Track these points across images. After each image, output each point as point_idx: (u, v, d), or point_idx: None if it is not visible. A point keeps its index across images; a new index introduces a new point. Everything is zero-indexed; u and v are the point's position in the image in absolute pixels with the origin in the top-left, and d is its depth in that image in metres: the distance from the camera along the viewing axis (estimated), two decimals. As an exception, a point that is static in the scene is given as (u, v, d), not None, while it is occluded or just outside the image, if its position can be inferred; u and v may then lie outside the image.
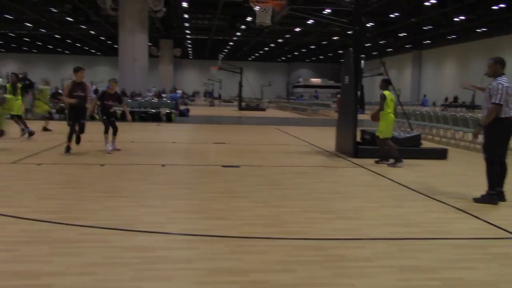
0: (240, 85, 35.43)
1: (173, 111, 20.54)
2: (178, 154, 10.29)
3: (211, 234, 4.54)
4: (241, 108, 34.38)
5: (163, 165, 8.51)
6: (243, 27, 39.97)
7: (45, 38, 52.88)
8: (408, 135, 10.76)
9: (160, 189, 6.56)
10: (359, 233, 4.74)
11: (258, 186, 6.89)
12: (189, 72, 72.00)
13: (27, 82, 19.28)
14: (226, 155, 10.32)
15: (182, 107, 25.44)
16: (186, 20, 40.59)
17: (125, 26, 25.98)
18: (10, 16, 39.55)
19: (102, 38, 51.55)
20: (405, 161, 9.18)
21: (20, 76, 19.90)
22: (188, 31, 46.74)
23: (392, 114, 9.07)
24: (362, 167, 8.97)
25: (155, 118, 19.63)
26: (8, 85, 13.01)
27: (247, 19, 35.69)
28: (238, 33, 45.07)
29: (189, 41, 55.21)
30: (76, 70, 9.75)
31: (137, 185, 6.74)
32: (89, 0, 30.06)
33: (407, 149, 10.09)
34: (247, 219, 5.12)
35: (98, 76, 52.94)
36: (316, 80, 68.56)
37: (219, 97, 54.07)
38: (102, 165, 8.36)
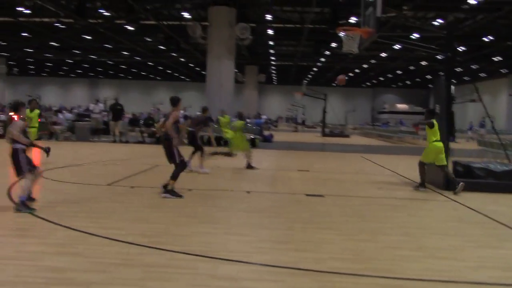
0: (324, 111, 35.28)
1: (257, 136, 20.85)
2: (263, 181, 10.39)
3: (297, 267, 4.50)
4: (324, 134, 34.15)
5: (248, 192, 8.62)
6: (327, 53, 40.01)
7: (139, 65, 56.37)
8: (506, 168, 10.05)
9: (246, 216, 6.65)
10: (452, 275, 4.46)
11: (343, 218, 6.75)
12: (272, 98, 73.03)
13: (119, 107, 20.64)
14: (310, 183, 10.25)
15: (266, 133, 25.76)
16: (271, 47, 41.41)
17: (213, 53, 27.00)
18: (110, 45, 42.74)
19: (191, 64, 53.95)
20: (505, 196, 8.57)
21: (113, 101, 21.39)
22: (272, 58, 47.62)
23: (437, 143, 9.36)
24: (455, 201, 8.50)
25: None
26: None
27: (332, 45, 35.69)
28: (322, 59, 45.15)
29: (273, 67, 56.19)
30: (178, 100, 8.76)
31: (222, 212, 6.88)
32: (180, 29, 31.71)
33: (507, 184, 9.40)
34: (333, 252, 5.02)
35: (186, 101, 55.35)
36: (402, 106, 66.52)
37: (303, 123, 54.16)
38: (190, 189, 8.65)
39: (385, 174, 12.38)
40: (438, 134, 9.38)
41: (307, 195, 8.56)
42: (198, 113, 16.80)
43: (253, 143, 20.15)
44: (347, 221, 6.52)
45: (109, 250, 4.81)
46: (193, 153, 11.29)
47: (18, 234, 5.34)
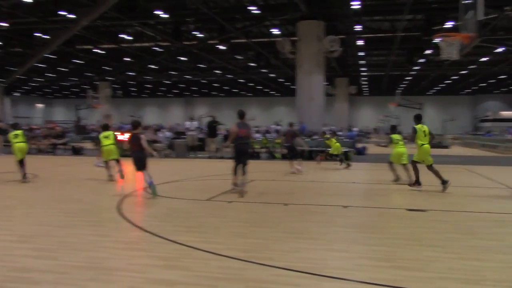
0: (420, 121, 33.79)
1: (350, 149, 20.48)
2: (359, 195, 10.15)
3: (402, 286, 4.31)
4: (421, 146, 32.63)
5: (345, 207, 8.46)
6: (421, 60, 38.46)
7: (231, 82, 58.06)
8: None
9: (344, 232, 6.51)
10: None
11: (450, 235, 6.37)
12: (364, 109, 71.47)
13: (215, 124, 21.33)
14: (410, 197, 9.83)
15: (359, 145, 25.22)
16: (362, 58, 40.68)
17: (303, 67, 27.09)
18: (203, 65, 44.59)
19: (281, 80, 54.54)
20: None
21: (209, 118, 22.17)
22: (363, 68, 46.72)
23: (426, 145, 10.41)
24: None
25: (333, 156, 19.76)
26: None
27: (426, 52, 34.26)
28: (416, 67, 43.46)
29: (364, 78, 55.07)
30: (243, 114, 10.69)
31: (320, 227, 6.81)
32: (269, 46, 32.25)
33: None
34: (440, 272, 4.74)
35: (276, 116, 55.92)
36: (508, 113, 61.81)
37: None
38: (286, 204, 8.67)
39: (493, 187, 11.54)
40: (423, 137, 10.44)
41: (408, 209, 8.21)
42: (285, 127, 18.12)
43: (346, 156, 19.81)
44: (453, 238, 6.15)
45: (213, 264, 4.94)
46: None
47: (128, 247, 5.67)
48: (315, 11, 25.49)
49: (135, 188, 11.17)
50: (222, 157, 20.44)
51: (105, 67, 46.40)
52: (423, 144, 10.41)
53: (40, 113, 72.71)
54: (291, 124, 15.05)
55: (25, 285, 4.29)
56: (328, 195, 10.06)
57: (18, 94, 71.58)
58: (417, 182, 10.71)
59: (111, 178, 12.27)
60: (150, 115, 69.28)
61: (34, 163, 17.53)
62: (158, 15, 25.19)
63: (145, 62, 41.28)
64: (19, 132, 12.73)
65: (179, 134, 24.69)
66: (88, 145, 26.27)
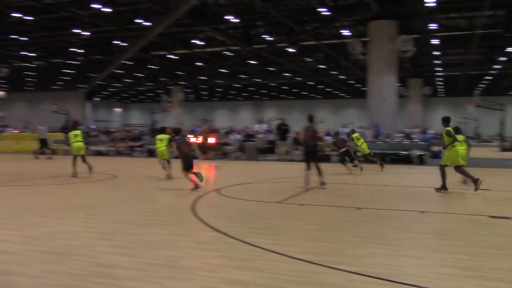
0: (502, 123, 31.92)
1: (425, 152, 19.72)
2: (436, 200, 9.72)
3: (488, 297, 4.06)
4: (504, 149, 30.79)
5: (422, 212, 8.13)
6: (502, 58, 36.29)
7: (300, 85, 57.93)
8: None
9: (421, 238, 6.26)
10: None
11: (539, 244, 5.93)
12: (439, 111, 68.45)
13: (284, 127, 21.33)
14: (493, 203, 9.27)
15: (434, 149, 24.20)
16: (437, 57, 39.08)
17: (374, 68, 26.47)
18: (272, 68, 44.85)
19: (351, 81, 53.66)
20: None
21: (279, 121, 22.20)
22: (438, 68, 44.86)
23: (458, 147, 10.52)
24: None
25: (406, 160, 19.15)
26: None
27: (507, 50, 32.30)
28: (497, 66, 41.07)
29: (439, 79, 52.85)
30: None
31: (395, 232, 6.59)
32: (339, 47, 31.82)
33: None
34: (530, 283, 4.42)
35: (346, 118, 55.00)
36: None
37: (477, 137, 49.67)
38: (359, 208, 8.48)
39: None
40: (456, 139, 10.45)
41: (491, 216, 7.74)
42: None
43: (421, 160, 19.09)
44: (544, 248, 5.72)
45: (286, 267, 4.91)
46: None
47: (202, 247, 5.78)
48: (387, 10, 24.83)
49: (207, 190, 11.40)
50: (292, 160, 20.40)
51: (178, 72, 47.97)
52: (453, 146, 10.42)
53: (118, 117, 76.48)
54: (337, 134, 17.14)
55: (107, 280, 4.49)
56: (403, 199, 9.73)
57: (98, 99, 75.71)
58: (444, 187, 10.47)
59: (168, 177, 12.98)
60: (221, 118, 70.69)
61: (112, 164, 18.44)
62: (228, 20, 25.67)
63: (216, 66, 42.21)
64: (78, 132, 14.17)
65: (249, 136, 24.98)
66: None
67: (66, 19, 27.25)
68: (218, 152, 21.03)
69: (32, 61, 41.97)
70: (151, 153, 23.51)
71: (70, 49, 35.84)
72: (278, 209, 8.54)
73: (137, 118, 79.06)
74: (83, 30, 28.25)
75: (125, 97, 77.35)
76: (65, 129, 34.53)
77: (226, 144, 21.68)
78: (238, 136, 23.51)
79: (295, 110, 71.25)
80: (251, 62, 41.47)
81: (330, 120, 56.69)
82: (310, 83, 55.86)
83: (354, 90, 61.00)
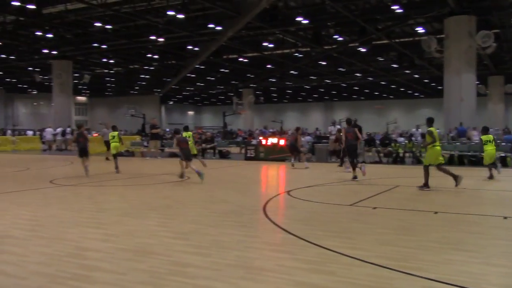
0: None
1: (508, 154, 18.56)
2: (521, 205, 9.12)
3: None
4: None
5: (506, 218, 7.66)
6: None
7: (372, 85, 56.65)
8: None
9: (506, 245, 5.90)
10: None
11: None
12: (523, 110, 64.33)
13: (356, 128, 20.89)
14: None
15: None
16: (520, 53, 36.73)
17: (451, 66, 25.32)
18: (343, 69, 44.23)
19: (426, 80, 51.72)
20: None
21: (353, 121, 21.80)
22: (522, 65, 42.14)
23: (438, 147, 11.10)
24: None
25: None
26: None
27: None
28: None
29: (523, 75, 49.63)
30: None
31: (476, 238, 6.25)
32: (413, 45, 30.77)
33: None
34: None
35: (420, 119, 53.04)
36: None
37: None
38: (436, 212, 8.14)
39: None
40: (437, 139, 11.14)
41: None
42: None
43: (503, 162, 17.99)
44: None
45: (360, 271, 4.82)
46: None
47: (274, 249, 5.81)
48: (465, 5, 23.71)
49: (277, 191, 11.44)
50: (363, 162, 19.98)
51: (249, 75, 48.60)
52: (434, 146, 11.00)
53: (190, 120, 78.67)
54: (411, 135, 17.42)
55: (183, 278, 4.63)
56: (483, 204, 9.23)
57: (171, 103, 78.40)
58: (426, 185, 10.92)
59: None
60: (291, 120, 70.62)
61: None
62: (299, 21, 25.64)
63: (286, 68, 42.31)
64: (115, 133, 16.73)
65: (320, 138, 24.77)
66: (234, 149, 27.68)
67: (142, 26, 28.51)
68: (288, 154, 21.04)
69: (111, 67, 44.31)
70: (223, 155, 24.00)
71: (147, 55, 37.45)
72: (350, 211, 8.39)
73: (209, 120, 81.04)
74: (158, 36, 29.39)
75: (198, 100, 79.55)
76: (143, 131, 36.06)
77: (297, 146, 21.63)
78: (308, 138, 23.38)
79: (367, 110, 69.77)
80: (322, 63, 41.15)
81: (402, 120, 54.93)
82: (382, 83, 54.47)
83: (429, 90, 58.75)
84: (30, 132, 44.16)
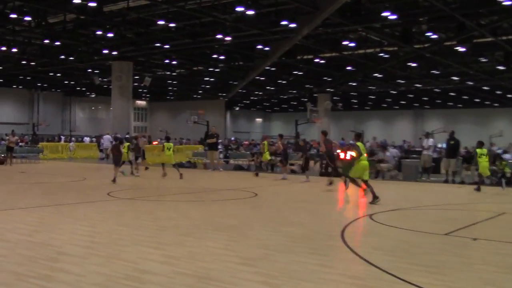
0: None
1: None
2: None
3: None
4: None
5: None
6: None
7: (472, 90, 54.46)
8: None
9: None
10: None
11: None
12: None
13: (452, 142, 20.17)
14: None
15: None
16: None
17: None
18: (437, 71, 42.90)
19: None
20: None
21: (447, 135, 21.08)
22: None
23: (363, 161, 12.64)
24: None
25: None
26: None
27: None
28: None
29: None
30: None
31: None
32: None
33: None
34: None
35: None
36: None
37: None
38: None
39: None
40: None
41: None
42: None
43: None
44: None
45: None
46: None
47: (354, 283, 5.69)
48: None
49: (358, 214, 11.27)
50: (462, 182, 19.23)
51: (326, 78, 48.37)
52: (360, 160, 12.62)
53: (258, 128, 79.59)
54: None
55: (250, 312, 4.67)
56: None
57: (238, 109, 79.69)
58: (375, 197, 12.19)
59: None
60: (372, 130, 69.33)
61: (253, 180, 19.19)
62: (385, 17, 25.20)
63: (368, 70, 41.70)
64: (170, 145, 19.77)
65: (408, 152, 24.13)
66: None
67: (208, 24, 29.26)
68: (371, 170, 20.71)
69: (174, 69, 45.82)
70: (294, 170, 23.98)
71: (212, 56, 38.35)
72: (445, 242, 8.09)
73: (279, 129, 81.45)
74: (226, 35, 30.02)
75: (267, 106, 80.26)
76: (205, 140, 36.88)
77: (380, 161, 21.20)
78: (394, 152, 22.83)
79: (465, 120, 67.05)
80: (411, 64, 40.14)
81: (510, 133, 52.22)
82: (484, 88, 52.19)
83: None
84: (87, 139, 46.53)
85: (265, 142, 23.11)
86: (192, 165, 26.67)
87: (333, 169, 17.54)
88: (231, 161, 27.84)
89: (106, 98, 49.89)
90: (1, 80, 54.05)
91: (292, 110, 77.77)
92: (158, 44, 33.01)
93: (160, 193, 14.73)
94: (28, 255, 6.57)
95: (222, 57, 38.38)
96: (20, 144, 34.83)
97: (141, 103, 73.31)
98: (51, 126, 56.01)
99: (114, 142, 17.55)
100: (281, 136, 21.82)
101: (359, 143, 12.95)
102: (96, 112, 70.10)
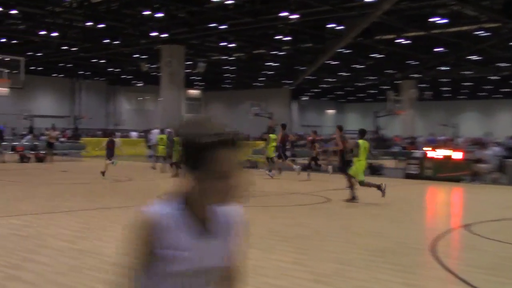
0: None
1: None
2: None
3: None
4: None
5: None
6: None
7: None
8: None
9: None
10: None
11: None
12: None
13: None
14: None
15: None
16: None
17: None
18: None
19: None
20: None
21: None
22: None
23: (363, 161, 13.82)
24: None
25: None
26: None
27: None
28: None
29: None
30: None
31: None
32: None
33: None
34: None
35: None
36: None
37: None
38: None
39: None
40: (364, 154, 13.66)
41: None
42: None
43: None
44: None
45: None
46: None
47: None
48: None
49: (451, 224, 11.05)
50: None
51: (410, 62, 47.49)
52: (359, 160, 13.57)
53: (330, 121, 79.12)
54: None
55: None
56: None
57: (306, 98, 79.56)
58: (381, 190, 13.26)
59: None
60: (468, 123, 67.59)
61: (326, 184, 19.12)
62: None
63: (463, 52, 40.62)
64: (163, 136, 22.91)
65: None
66: (388, 162, 27.13)
67: (272, 0, 29.34)
68: (465, 172, 20.21)
69: (231, 53, 46.26)
70: (374, 170, 23.71)
71: (276, 37, 38.44)
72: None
73: (355, 122, 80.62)
74: (292, 12, 30.00)
75: (340, 95, 79.68)
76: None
77: (479, 161, 20.62)
78: (497, 150, 22.12)
79: None
80: (517, 44, 38.87)
81: None
82: None
83: None
84: (134, 134, 47.65)
85: (271, 135, 22.23)
86: (252, 164, 26.80)
87: (341, 169, 16.99)
88: (299, 160, 27.78)
89: (154, 88, 51.01)
90: (40, 68, 56.17)
91: (371, 99, 76.83)
92: (213, 25, 33.40)
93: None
94: (72, 264, 6.86)
95: (287, 38, 38.40)
96: (61, 139, 36.12)
97: (194, 92, 74.46)
98: (93, 119, 57.80)
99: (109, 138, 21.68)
100: (340, 128, 19.67)
101: (361, 141, 13.82)
102: (144, 103, 71.68)
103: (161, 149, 22.93)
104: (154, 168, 24.03)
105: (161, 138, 23.24)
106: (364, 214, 12.02)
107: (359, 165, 13.57)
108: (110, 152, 20.29)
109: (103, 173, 19.24)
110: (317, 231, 9.72)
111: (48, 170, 23.19)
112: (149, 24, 34.75)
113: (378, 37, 35.65)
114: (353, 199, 13.55)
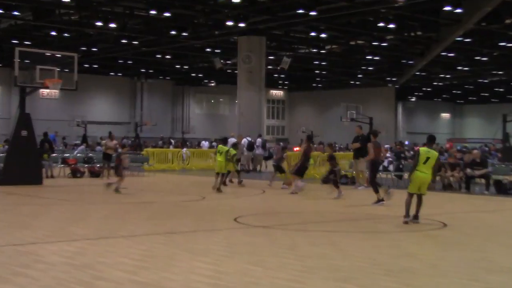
0: None
1: None
2: None
3: None
4: None
5: None
6: None
7: None
8: None
9: None
10: None
11: None
12: None
13: None
14: None
15: None
16: None
17: None
18: None
19: None
20: None
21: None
22: None
23: (419, 172, 13.74)
24: None
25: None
26: None
27: None
28: None
29: None
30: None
31: None
32: None
33: None
34: None
35: None
36: None
37: None
38: None
39: None
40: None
41: None
42: None
43: None
44: None
45: None
46: None
47: None
48: None
49: None
50: None
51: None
52: (416, 171, 13.73)
53: (444, 127, 77.51)
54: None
55: None
56: None
57: (414, 99, 78.24)
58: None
59: None
60: None
61: (442, 204, 18.67)
62: None
63: None
64: (225, 148, 22.01)
65: None
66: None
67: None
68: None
69: (322, 45, 46.07)
70: (502, 189, 22.91)
71: (377, 25, 37.94)
72: None
73: (476, 128, 78.68)
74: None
75: (457, 95, 77.83)
76: (365, 142, 36.55)
77: None
78: None
79: None
80: None
81: None
82: None
83: None
84: (205, 143, 48.02)
85: (228, 149, 22.73)
86: (349, 180, 26.40)
87: (372, 182, 18.12)
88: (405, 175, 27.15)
89: (230, 88, 51.41)
90: (96, 66, 57.50)
91: (497, 100, 74.71)
92: (300, 11, 33.25)
93: (304, 219, 14.84)
94: (135, 300, 6.93)
95: (391, 26, 37.86)
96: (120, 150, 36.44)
97: (277, 93, 74.60)
98: (158, 125, 58.51)
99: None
100: (375, 134, 20.01)
101: (423, 149, 14.30)
102: (217, 107, 72.15)
103: (231, 165, 23.37)
104: (226, 183, 23.67)
105: (226, 151, 22.47)
106: (492, 243, 11.63)
107: (415, 175, 13.67)
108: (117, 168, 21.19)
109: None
110: (430, 263, 9.46)
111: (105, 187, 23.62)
112: (224, 12, 34.92)
113: (508, 21, 34.53)
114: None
